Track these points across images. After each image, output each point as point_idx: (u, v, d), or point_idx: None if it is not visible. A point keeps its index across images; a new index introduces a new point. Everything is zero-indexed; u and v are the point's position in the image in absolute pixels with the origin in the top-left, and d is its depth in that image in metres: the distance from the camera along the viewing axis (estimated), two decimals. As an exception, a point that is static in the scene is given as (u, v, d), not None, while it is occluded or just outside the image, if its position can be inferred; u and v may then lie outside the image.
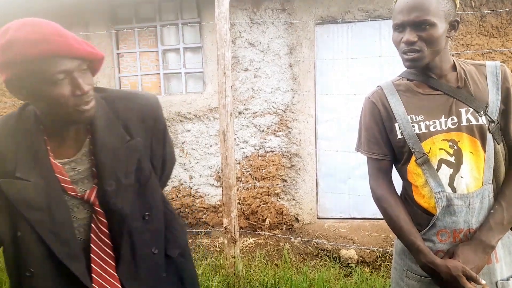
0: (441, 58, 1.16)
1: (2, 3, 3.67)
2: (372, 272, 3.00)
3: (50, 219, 0.92)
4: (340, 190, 3.81)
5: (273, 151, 3.87)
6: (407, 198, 1.24)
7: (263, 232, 3.80)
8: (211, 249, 3.54)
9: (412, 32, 1.09)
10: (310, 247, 3.46)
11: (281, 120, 3.82)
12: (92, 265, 0.99)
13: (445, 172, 1.13)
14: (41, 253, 0.92)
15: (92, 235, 0.99)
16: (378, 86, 1.29)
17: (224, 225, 2.65)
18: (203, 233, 3.89)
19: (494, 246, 1.11)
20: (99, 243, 1.00)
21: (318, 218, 3.92)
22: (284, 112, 3.80)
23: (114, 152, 0.99)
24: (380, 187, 1.25)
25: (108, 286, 0.99)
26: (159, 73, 4.07)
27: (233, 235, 2.64)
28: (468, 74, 1.18)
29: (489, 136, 1.13)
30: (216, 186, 4.00)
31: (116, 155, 0.99)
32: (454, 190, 1.13)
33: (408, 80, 1.24)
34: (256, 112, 3.85)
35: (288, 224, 3.89)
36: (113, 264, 1.01)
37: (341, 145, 3.71)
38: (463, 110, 1.14)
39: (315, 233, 3.65)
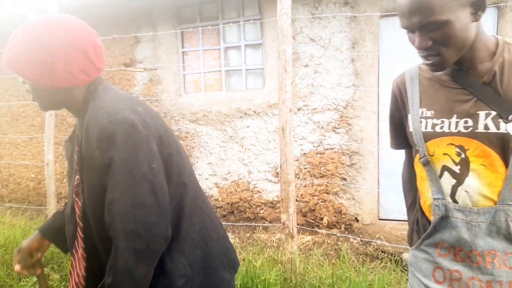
0: (473, 47, 0.92)
1: (77, 5, 4.00)
2: (438, 278, 2.81)
3: None
4: (403, 191, 3.62)
5: (333, 148, 3.79)
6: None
7: (321, 230, 3.74)
8: (268, 243, 3.57)
9: (422, 35, 0.89)
10: (370, 248, 3.35)
11: (341, 116, 3.72)
12: None
13: (447, 182, 0.96)
14: None
15: None
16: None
17: (282, 221, 2.66)
18: (260, 228, 3.94)
19: None
20: None
21: (379, 219, 3.76)
22: (345, 108, 3.70)
23: None
24: (405, 167, 1.24)
25: None
26: (220, 70, 4.19)
27: (291, 231, 2.63)
28: (506, 66, 0.91)
29: None
30: (274, 182, 4.02)
31: None
32: (455, 202, 0.96)
33: None
34: (315, 109, 3.79)
35: (346, 223, 3.79)
36: None
37: (405, 144, 3.52)
38: (482, 113, 0.91)
39: (376, 234, 3.52)
